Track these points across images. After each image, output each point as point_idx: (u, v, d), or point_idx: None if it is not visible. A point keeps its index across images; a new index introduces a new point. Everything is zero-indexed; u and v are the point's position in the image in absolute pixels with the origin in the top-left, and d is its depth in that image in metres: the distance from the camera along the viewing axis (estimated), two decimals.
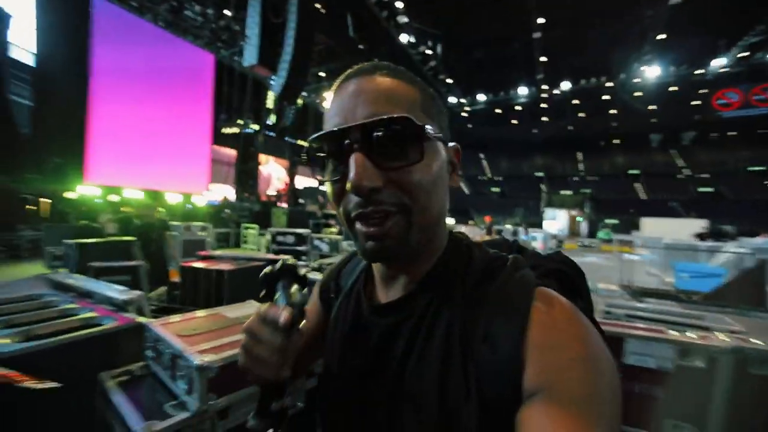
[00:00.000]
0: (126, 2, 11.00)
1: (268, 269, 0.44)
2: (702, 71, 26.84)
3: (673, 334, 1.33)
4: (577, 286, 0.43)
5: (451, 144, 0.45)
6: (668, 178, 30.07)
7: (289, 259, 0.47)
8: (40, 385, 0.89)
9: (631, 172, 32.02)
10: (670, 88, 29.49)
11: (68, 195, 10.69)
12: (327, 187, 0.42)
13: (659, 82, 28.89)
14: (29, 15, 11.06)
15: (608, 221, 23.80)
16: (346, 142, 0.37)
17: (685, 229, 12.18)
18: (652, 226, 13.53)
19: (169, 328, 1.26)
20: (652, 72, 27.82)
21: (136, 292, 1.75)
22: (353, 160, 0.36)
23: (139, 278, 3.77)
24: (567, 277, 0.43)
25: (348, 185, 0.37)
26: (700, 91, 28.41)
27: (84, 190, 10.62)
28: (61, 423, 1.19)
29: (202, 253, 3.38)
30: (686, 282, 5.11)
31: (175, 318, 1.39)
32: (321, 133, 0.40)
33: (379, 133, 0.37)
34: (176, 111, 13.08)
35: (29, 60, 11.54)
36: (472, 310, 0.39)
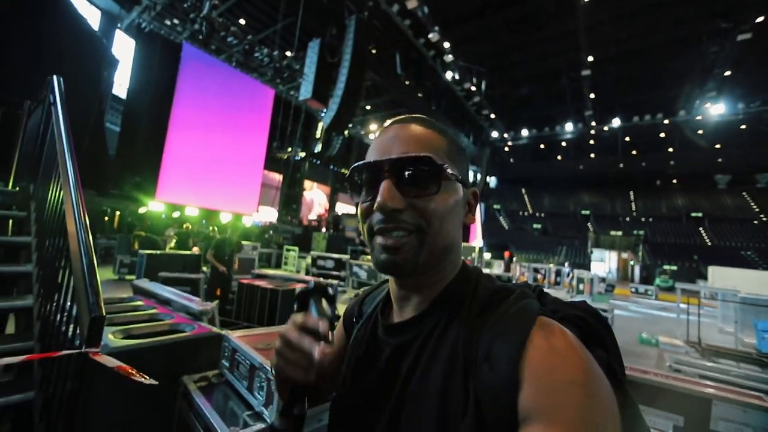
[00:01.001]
0: (208, 46, 12.67)
1: (302, 287, 0.51)
2: None
3: None
4: (598, 336, 0.43)
5: (471, 187, 0.52)
6: (740, 223, 26.93)
7: (321, 280, 0.52)
8: (146, 381, 1.00)
9: (694, 215, 29.18)
10: (741, 126, 27.13)
11: (140, 210, 11.99)
12: (358, 208, 0.49)
13: (725, 119, 26.77)
14: (127, 55, 13.13)
15: (667, 267, 21.51)
16: (380, 172, 0.45)
17: (765, 281, 10.69)
18: (722, 276, 11.94)
19: (246, 341, 1.36)
20: (716, 109, 25.92)
21: (210, 304, 1.91)
22: (383, 186, 0.44)
23: (198, 290, 4.07)
24: (588, 326, 0.43)
25: (375, 205, 0.44)
26: None
27: (152, 206, 11.84)
28: (147, 417, 1.31)
29: (256, 271, 3.58)
30: None
31: (249, 332, 1.49)
32: (362, 162, 0.48)
33: (406, 167, 0.45)
34: (238, 139, 14.41)
35: (121, 92, 13.53)
36: (475, 332, 0.41)
